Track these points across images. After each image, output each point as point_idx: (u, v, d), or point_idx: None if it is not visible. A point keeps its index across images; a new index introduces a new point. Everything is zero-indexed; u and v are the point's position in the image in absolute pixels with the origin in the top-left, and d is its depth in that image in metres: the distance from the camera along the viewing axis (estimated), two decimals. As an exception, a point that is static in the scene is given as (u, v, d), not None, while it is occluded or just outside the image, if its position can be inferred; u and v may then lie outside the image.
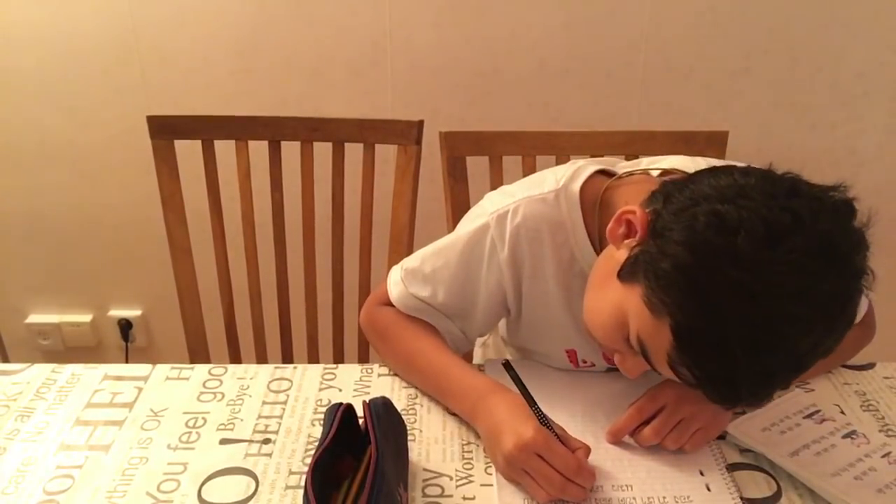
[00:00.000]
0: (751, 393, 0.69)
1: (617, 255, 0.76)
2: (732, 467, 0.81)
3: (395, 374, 0.97)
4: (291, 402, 0.92)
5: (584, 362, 0.97)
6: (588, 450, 0.78)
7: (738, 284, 0.64)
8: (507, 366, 0.83)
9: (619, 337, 0.76)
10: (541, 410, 0.79)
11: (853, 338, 0.98)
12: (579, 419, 0.87)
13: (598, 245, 0.87)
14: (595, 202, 0.88)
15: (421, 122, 1.27)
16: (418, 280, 0.95)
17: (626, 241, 0.76)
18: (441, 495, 0.78)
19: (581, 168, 0.91)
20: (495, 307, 0.95)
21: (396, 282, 0.97)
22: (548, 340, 0.97)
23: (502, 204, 0.90)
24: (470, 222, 0.93)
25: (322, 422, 0.86)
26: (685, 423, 0.82)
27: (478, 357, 1.23)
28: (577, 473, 0.75)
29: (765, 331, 0.64)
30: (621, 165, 0.95)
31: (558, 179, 0.89)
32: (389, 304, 0.98)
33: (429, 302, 0.95)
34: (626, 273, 0.74)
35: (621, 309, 0.74)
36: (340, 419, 0.74)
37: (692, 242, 0.67)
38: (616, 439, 0.85)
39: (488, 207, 0.91)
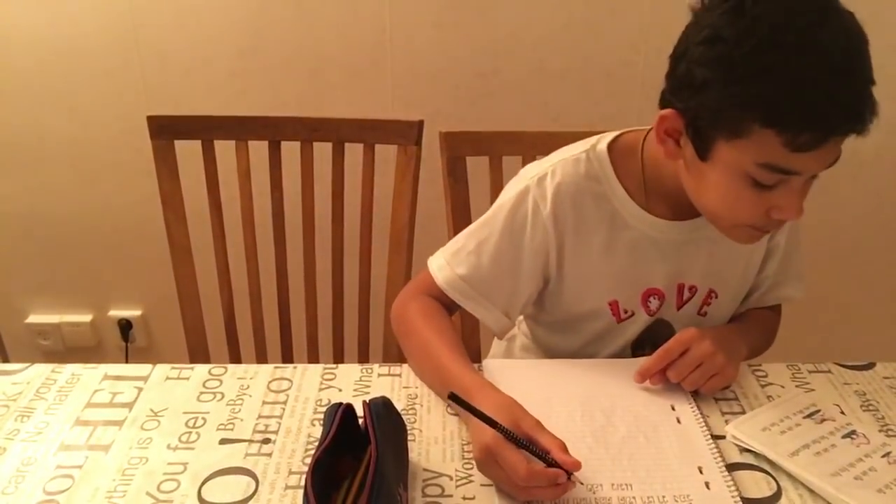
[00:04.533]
0: (844, 84, 0.79)
1: (685, 160, 0.85)
2: (732, 467, 0.81)
3: (397, 375, 0.97)
4: (291, 402, 0.92)
5: (626, 312, 1.00)
6: (561, 445, 0.75)
7: (770, 26, 0.73)
8: (453, 397, 0.79)
9: (757, 197, 0.80)
10: (502, 427, 0.75)
11: (772, 322, 1.09)
12: (578, 418, 0.87)
13: (637, 194, 0.94)
14: (624, 154, 0.95)
15: (421, 123, 1.27)
16: (462, 258, 0.98)
17: (682, 141, 0.82)
18: (441, 495, 0.78)
19: (605, 134, 0.98)
20: (537, 274, 0.98)
21: (441, 266, 0.99)
22: (591, 296, 0.99)
23: (540, 168, 0.95)
24: (509, 190, 0.97)
25: (322, 422, 0.86)
26: (704, 367, 0.89)
27: (500, 353, 1.23)
28: (526, 480, 0.72)
29: (803, 31, 0.76)
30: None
31: (585, 143, 0.96)
32: (424, 294, 1.00)
33: (473, 277, 0.97)
34: (701, 148, 0.80)
35: (732, 175, 0.79)
36: (340, 419, 0.74)
37: (706, 53, 0.77)
38: (643, 379, 0.92)
39: (525, 175, 0.96)
